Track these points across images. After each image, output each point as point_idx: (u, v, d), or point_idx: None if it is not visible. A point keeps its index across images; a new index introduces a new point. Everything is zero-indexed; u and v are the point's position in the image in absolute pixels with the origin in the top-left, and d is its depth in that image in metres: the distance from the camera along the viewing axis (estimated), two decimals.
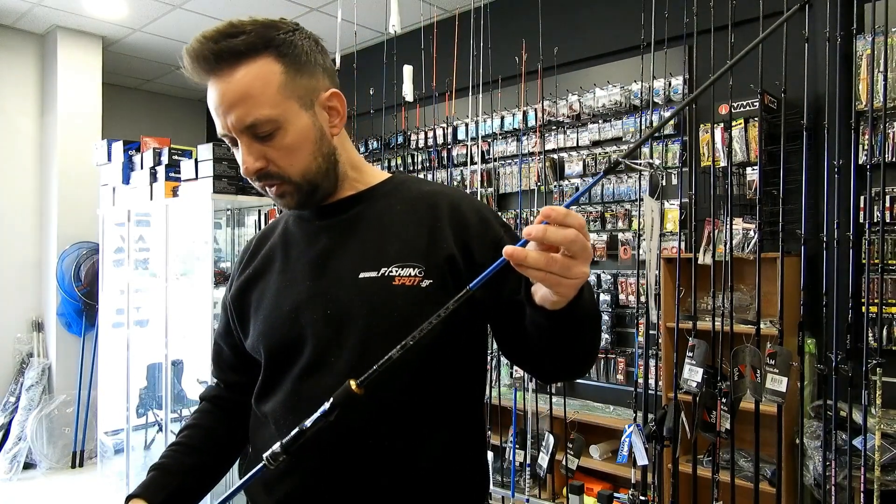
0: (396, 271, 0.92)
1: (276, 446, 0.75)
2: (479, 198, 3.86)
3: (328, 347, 0.92)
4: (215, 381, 1.17)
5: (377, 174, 1.06)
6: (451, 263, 0.93)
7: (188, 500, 1.03)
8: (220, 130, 0.92)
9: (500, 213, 3.75)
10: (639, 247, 3.11)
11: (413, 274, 0.91)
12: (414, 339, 0.72)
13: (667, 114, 3.26)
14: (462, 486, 0.97)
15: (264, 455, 0.75)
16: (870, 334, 2.28)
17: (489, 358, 1.03)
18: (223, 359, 1.13)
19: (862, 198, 2.48)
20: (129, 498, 0.97)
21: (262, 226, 3.45)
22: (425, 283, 0.91)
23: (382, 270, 0.92)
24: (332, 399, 0.75)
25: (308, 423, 0.75)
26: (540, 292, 0.73)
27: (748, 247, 2.81)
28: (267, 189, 0.95)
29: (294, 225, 1.06)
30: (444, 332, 0.91)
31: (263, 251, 1.06)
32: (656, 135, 3.18)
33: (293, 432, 0.75)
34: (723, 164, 2.72)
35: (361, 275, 0.93)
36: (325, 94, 0.96)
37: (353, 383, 0.74)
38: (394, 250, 0.94)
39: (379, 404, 0.90)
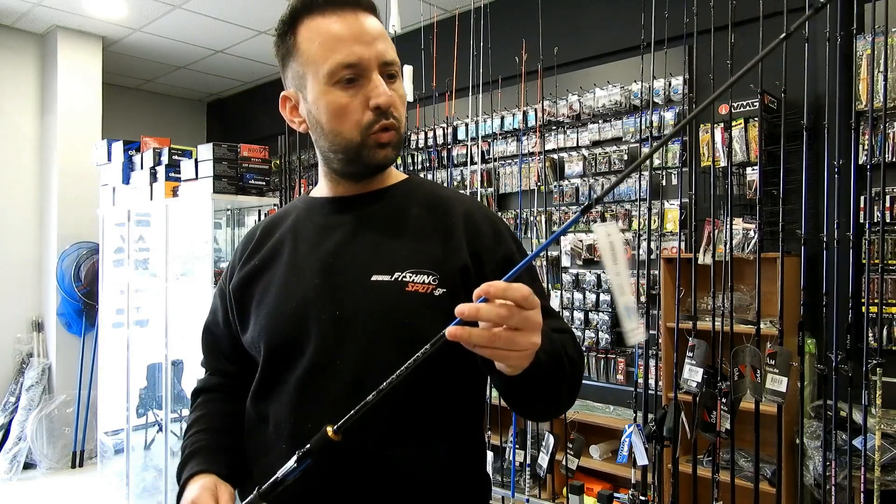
0: (410, 277, 0.90)
1: (254, 495, 0.75)
2: (478, 198, 3.86)
3: (333, 350, 0.90)
4: (208, 372, 1.11)
5: (394, 173, 1.04)
6: (464, 273, 0.91)
7: (239, 473, 0.98)
8: (347, 60, 0.90)
9: (499, 213, 3.75)
10: (639, 247, 3.11)
11: (427, 281, 0.90)
12: (391, 384, 0.73)
13: (666, 114, 3.26)
14: (464, 496, 0.96)
15: None
16: (870, 334, 2.28)
17: None
18: (221, 349, 1.08)
19: (862, 198, 2.48)
20: (190, 477, 0.92)
21: None
22: (438, 291, 0.89)
23: (396, 275, 0.90)
24: (308, 446, 0.75)
25: (281, 472, 0.75)
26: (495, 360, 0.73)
27: (748, 247, 2.81)
28: (382, 134, 0.93)
29: (306, 218, 1.02)
30: (449, 343, 0.90)
31: (271, 242, 1.03)
32: (656, 134, 3.18)
33: (270, 480, 0.75)
34: (723, 164, 2.72)
35: (373, 277, 0.91)
36: None
37: (329, 430, 0.74)
38: (408, 255, 0.92)
39: (381, 414, 0.87)
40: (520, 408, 0.90)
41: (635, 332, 0.68)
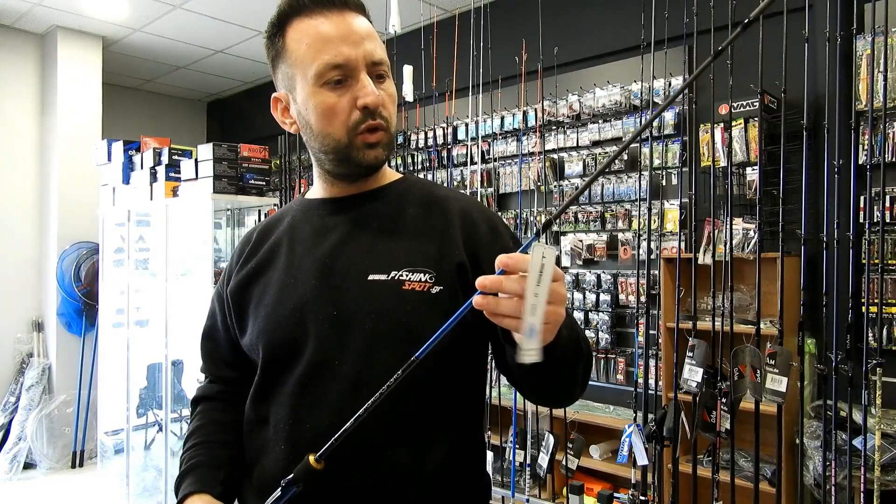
0: (407, 276, 0.90)
1: None
2: (479, 198, 3.86)
3: (332, 350, 0.90)
4: (208, 378, 1.11)
5: (389, 173, 1.04)
6: (461, 271, 0.92)
7: (235, 490, 0.99)
8: (334, 60, 0.89)
9: (499, 213, 3.75)
10: (638, 247, 3.11)
11: (423, 279, 0.90)
12: (375, 402, 0.76)
13: (666, 114, 3.26)
14: (464, 496, 0.96)
15: None
16: (870, 334, 2.28)
17: (488, 358, 1.03)
18: (221, 354, 1.08)
19: (862, 198, 2.48)
20: (185, 496, 0.93)
21: None
22: (435, 289, 0.90)
23: (392, 274, 0.91)
24: (292, 475, 0.78)
25: (269, 501, 0.79)
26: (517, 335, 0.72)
27: (748, 247, 2.81)
28: (368, 135, 0.92)
29: (302, 220, 1.02)
30: (452, 341, 0.88)
31: (268, 245, 1.03)
32: (656, 134, 3.18)
33: None
34: (723, 164, 2.72)
35: (370, 277, 0.91)
36: None
37: (311, 458, 0.77)
38: (405, 254, 0.92)
39: (383, 413, 0.87)
40: (538, 389, 0.88)
41: (530, 352, 0.67)
